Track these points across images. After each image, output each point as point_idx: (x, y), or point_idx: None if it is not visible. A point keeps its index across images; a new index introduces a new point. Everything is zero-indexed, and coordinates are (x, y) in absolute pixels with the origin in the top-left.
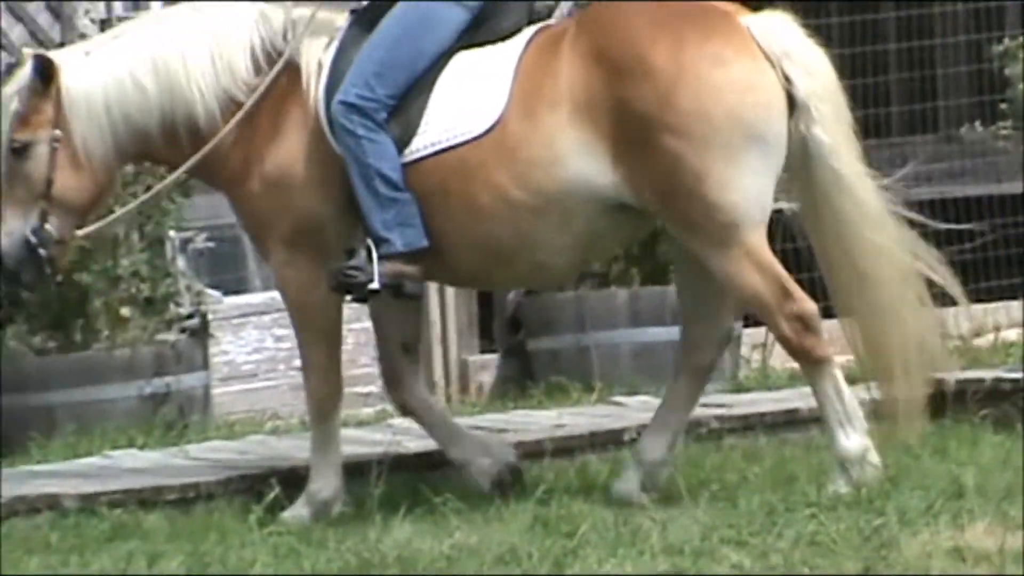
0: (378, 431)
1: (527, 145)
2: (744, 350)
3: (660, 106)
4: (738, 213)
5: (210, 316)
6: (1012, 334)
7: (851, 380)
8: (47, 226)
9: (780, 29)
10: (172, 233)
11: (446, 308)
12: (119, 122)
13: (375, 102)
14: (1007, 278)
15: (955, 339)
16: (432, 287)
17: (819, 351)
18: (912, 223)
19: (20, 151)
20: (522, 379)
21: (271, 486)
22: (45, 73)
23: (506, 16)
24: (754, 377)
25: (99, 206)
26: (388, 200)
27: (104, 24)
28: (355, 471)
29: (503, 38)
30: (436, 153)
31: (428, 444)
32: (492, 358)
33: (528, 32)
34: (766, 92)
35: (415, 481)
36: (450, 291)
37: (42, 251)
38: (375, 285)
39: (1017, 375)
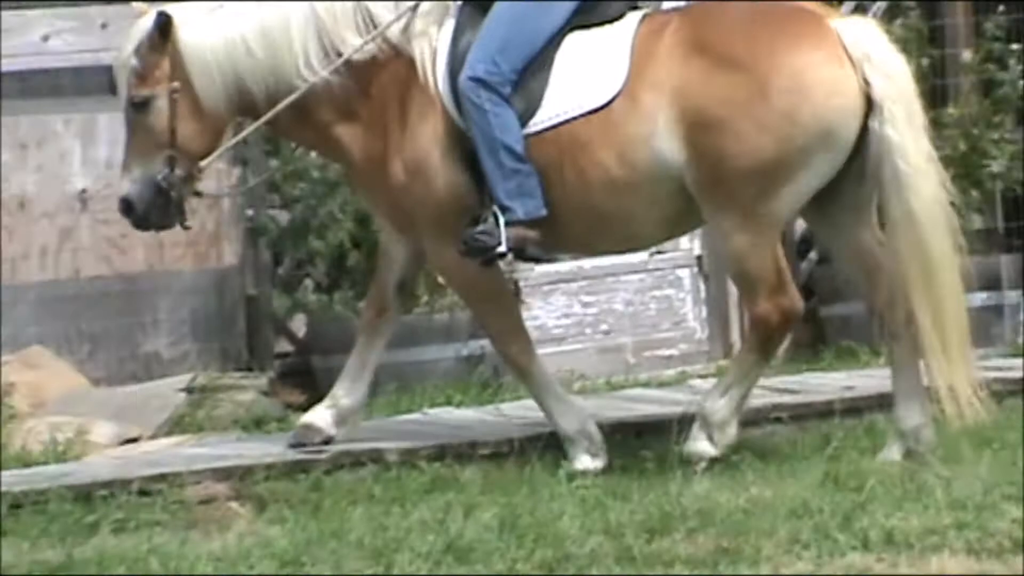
0: (679, 391)
1: (628, 123)
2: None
3: (749, 101)
4: (779, 209)
5: (522, 283)
6: None
7: None
8: (176, 171)
9: (864, 33)
10: None
11: None
12: (229, 79)
13: (500, 76)
14: None
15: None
16: None
17: (773, 349)
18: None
19: (142, 105)
20: (813, 343)
21: None
22: (164, 29)
23: (612, 2)
24: None
25: (214, 151)
26: (511, 171)
27: None
28: (656, 429)
29: (609, 21)
30: (555, 126)
31: None
32: None
33: (635, 16)
34: (848, 96)
35: None
36: None
37: (172, 194)
38: (502, 249)
39: None
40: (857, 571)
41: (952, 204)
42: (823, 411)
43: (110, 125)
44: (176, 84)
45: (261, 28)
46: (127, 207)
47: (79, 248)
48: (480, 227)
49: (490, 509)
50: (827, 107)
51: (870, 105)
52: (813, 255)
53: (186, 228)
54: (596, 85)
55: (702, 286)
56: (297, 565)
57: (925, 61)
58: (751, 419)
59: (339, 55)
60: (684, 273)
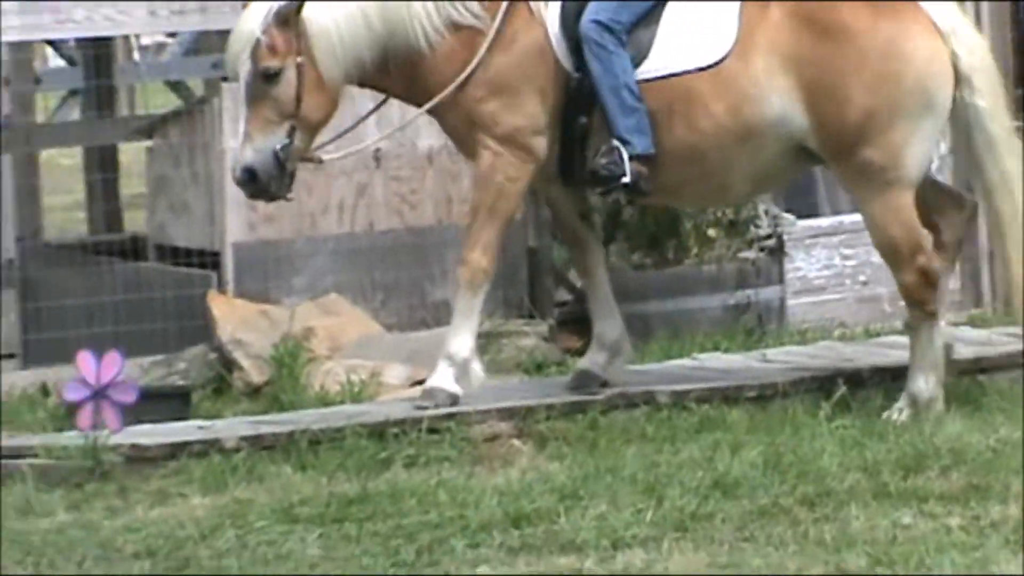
0: None
1: (741, 82)
2: None
3: (859, 67)
4: (906, 171)
5: (785, 237)
6: None
7: None
8: (295, 142)
9: (948, 11)
10: None
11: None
12: (349, 51)
13: (620, 25)
14: None
15: None
16: None
17: (931, 306)
18: None
19: (272, 76)
20: None
21: (838, 385)
22: (300, 6)
23: None
24: None
25: (329, 121)
26: (631, 109)
27: None
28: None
29: None
30: (666, 77)
31: (979, 350)
32: None
33: None
34: (943, 64)
35: (967, 382)
36: None
37: (288, 165)
38: (627, 179)
39: None
40: None
41: None
42: None
43: None
44: (301, 59)
45: (380, 2)
46: (250, 175)
47: (373, 203)
48: (611, 158)
49: (755, 448)
50: (928, 73)
51: (957, 76)
52: None
53: (289, 200)
54: (706, 44)
55: None
56: (575, 498)
57: None
58: (999, 365)
59: (450, 19)
60: None
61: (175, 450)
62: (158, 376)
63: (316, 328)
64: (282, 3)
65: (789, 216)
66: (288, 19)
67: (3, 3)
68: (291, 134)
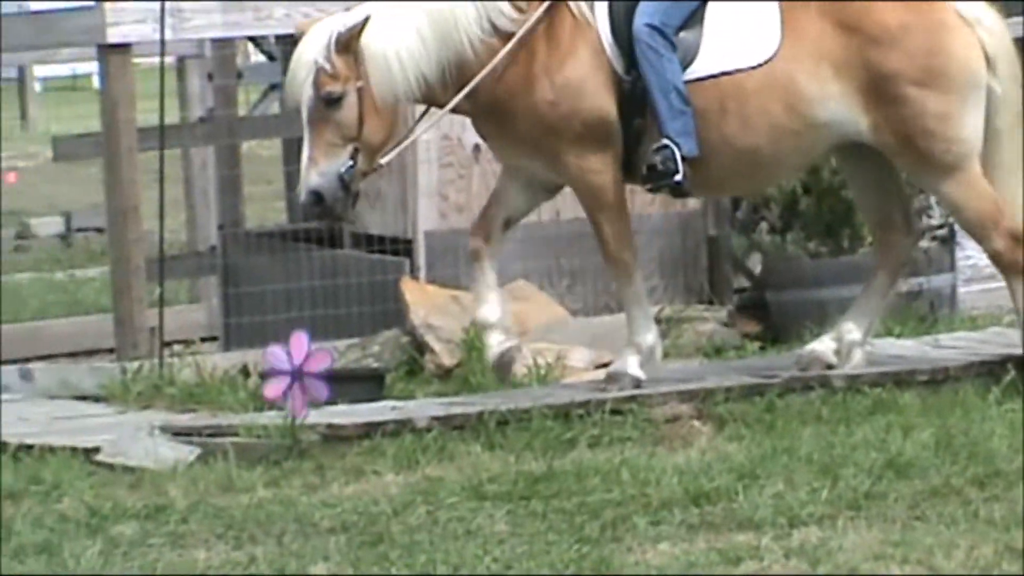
0: None
1: (798, 82)
2: None
3: (908, 65)
4: (969, 145)
5: (956, 227)
6: None
7: None
8: (357, 164)
9: (971, 3)
10: None
11: None
12: (408, 70)
13: (670, 28)
14: None
15: None
16: None
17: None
18: None
19: (334, 101)
20: None
21: (1007, 370)
22: (360, 31)
23: None
24: None
25: (390, 142)
26: (679, 112)
27: None
28: None
29: None
30: (715, 76)
31: None
32: None
33: None
34: (978, 50)
35: None
36: None
37: (352, 186)
38: (679, 178)
39: None
40: None
41: None
42: None
43: None
44: (361, 83)
45: (428, 14)
46: (317, 199)
47: (560, 193)
48: (660, 155)
49: (926, 429)
50: (968, 58)
51: (986, 59)
52: None
53: (351, 223)
54: (752, 43)
55: None
56: (752, 478)
57: None
58: None
59: (492, 24)
60: None
61: (369, 429)
62: (353, 359)
63: None
64: (341, 29)
65: None
66: (348, 44)
67: (208, 2)
68: (354, 156)
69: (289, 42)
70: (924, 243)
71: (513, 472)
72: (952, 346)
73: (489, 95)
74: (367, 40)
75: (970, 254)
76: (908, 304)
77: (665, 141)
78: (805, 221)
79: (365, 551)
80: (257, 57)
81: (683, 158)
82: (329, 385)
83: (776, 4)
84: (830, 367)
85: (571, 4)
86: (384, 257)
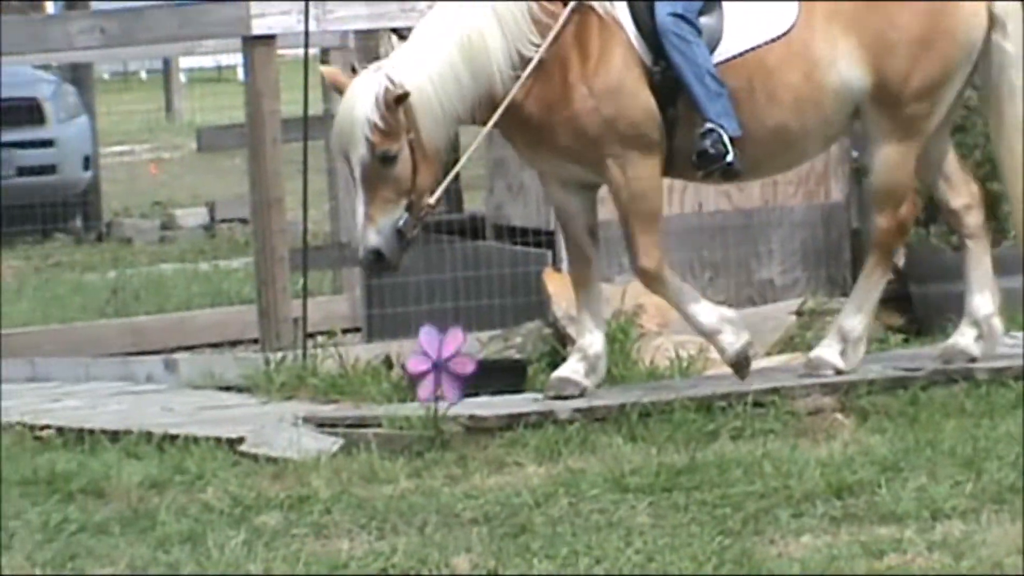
0: None
1: (810, 48)
2: None
3: (917, 26)
4: (933, 122)
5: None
6: None
7: None
8: (414, 213)
9: None
10: None
11: None
12: (448, 112)
13: (693, 14)
14: None
15: None
16: None
17: (893, 258)
18: None
19: (391, 159)
20: None
21: None
22: (403, 89)
23: None
24: None
25: (440, 183)
26: (716, 94)
27: None
28: None
29: None
30: (742, 54)
31: None
32: None
33: None
34: (983, 16)
35: None
36: None
37: (409, 235)
38: (731, 159)
39: None
40: None
41: None
42: None
43: None
44: (411, 135)
45: (460, 50)
46: (377, 257)
47: (702, 186)
48: (708, 139)
49: None
50: (972, 24)
51: (992, 20)
52: None
53: (395, 270)
54: (771, 15)
55: None
56: (895, 470)
57: None
58: None
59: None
60: None
61: (512, 421)
62: (495, 350)
63: (646, 305)
64: (390, 85)
65: None
66: (399, 99)
67: None
68: (409, 207)
69: None
70: None
71: (655, 464)
72: None
73: (518, 111)
74: (414, 91)
75: None
76: None
77: (710, 125)
78: None
79: (507, 542)
80: None
81: (731, 139)
82: (463, 390)
83: None
84: (973, 360)
85: (595, 4)
86: (527, 249)
